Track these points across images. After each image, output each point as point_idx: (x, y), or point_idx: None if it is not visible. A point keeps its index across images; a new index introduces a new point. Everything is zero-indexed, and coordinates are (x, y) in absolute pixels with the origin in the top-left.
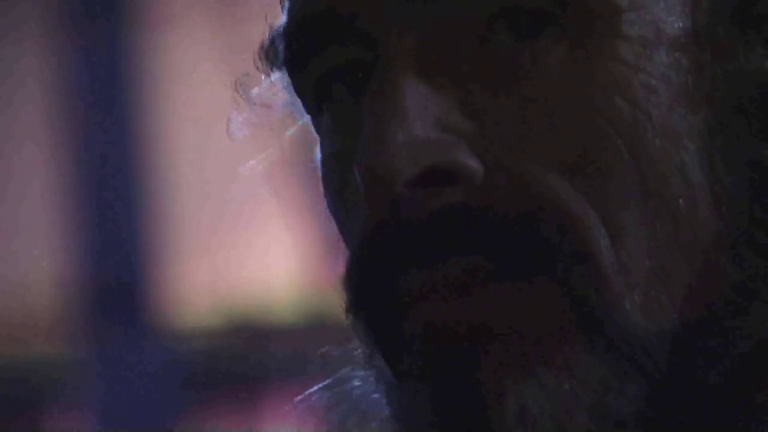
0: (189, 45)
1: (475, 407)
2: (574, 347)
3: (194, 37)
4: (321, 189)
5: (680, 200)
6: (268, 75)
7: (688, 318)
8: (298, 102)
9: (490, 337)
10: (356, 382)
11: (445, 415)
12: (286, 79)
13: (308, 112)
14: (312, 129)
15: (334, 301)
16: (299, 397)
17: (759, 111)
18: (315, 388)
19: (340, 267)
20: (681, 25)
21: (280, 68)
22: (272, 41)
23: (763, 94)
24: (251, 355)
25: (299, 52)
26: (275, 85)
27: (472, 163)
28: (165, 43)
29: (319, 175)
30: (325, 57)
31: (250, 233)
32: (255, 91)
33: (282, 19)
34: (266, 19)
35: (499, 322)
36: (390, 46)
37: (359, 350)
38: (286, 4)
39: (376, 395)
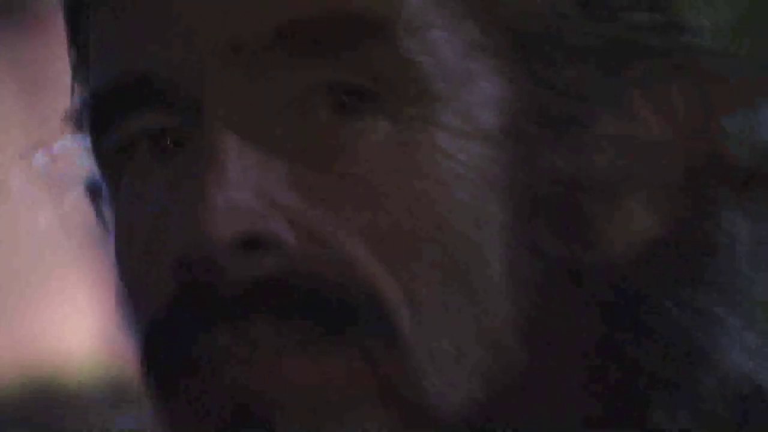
0: None
1: None
2: (374, 420)
3: None
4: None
5: (481, 287)
6: (70, 136)
7: (482, 401)
8: (91, 170)
9: (293, 401)
10: None
11: None
12: (86, 144)
13: (106, 179)
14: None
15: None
16: None
17: (556, 210)
18: None
19: (130, 335)
20: (495, 119)
21: (84, 132)
22: (81, 104)
23: (560, 194)
24: (48, 422)
25: (109, 114)
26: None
27: (286, 233)
28: None
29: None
30: (137, 120)
31: (46, 296)
32: (54, 149)
33: (87, 82)
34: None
35: (303, 386)
36: (212, 114)
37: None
38: (93, 66)
39: None
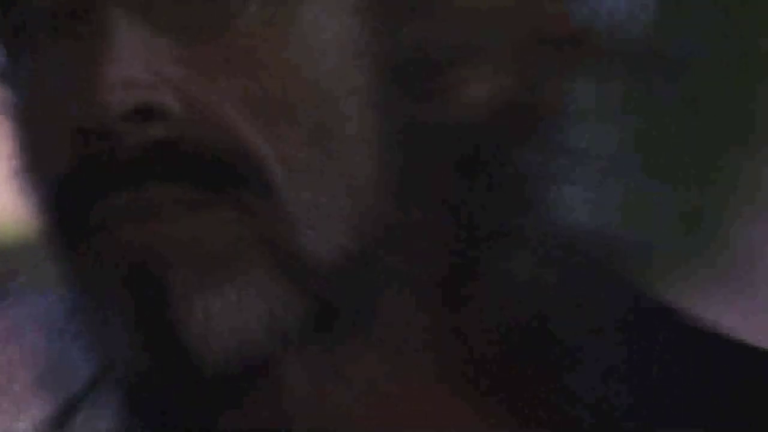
0: None
1: (165, 325)
2: (255, 269)
3: None
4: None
5: (347, 146)
6: None
7: (351, 252)
8: None
9: (181, 258)
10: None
11: (136, 335)
12: None
13: (5, 56)
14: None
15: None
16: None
17: (414, 76)
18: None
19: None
20: None
21: None
22: None
23: (417, 60)
24: None
25: None
26: None
27: (173, 103)
28: None
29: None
30: (33, 1)
31: None
32: None
33: None
34: None
35: (190, 244)
36: None
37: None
38: None
39: None
